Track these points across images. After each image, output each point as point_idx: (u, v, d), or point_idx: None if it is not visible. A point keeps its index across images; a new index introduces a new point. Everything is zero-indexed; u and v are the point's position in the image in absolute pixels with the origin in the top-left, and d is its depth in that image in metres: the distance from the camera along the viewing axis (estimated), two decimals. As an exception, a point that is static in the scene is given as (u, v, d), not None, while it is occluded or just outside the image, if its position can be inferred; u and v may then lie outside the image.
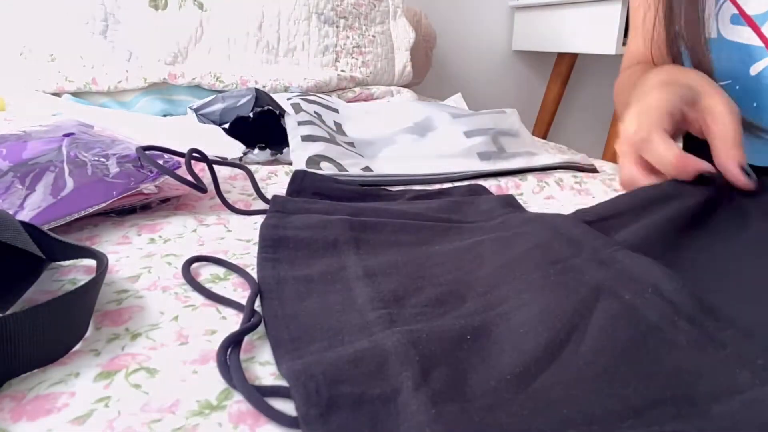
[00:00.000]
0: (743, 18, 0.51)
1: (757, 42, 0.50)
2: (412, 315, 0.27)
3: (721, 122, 0.37)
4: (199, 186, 0.43)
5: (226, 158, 0.56)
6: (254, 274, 0.33)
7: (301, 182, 0.49)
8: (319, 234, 0.35)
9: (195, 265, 0.34)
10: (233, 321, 0.28)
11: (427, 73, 1.54)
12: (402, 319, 0.27)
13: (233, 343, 0.25)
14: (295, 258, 0.33)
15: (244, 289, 0.32)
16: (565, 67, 1.75)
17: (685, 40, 0.51)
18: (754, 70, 0.51)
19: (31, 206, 0.37)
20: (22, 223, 0.31)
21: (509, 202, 0.46)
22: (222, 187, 0.49)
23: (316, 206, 0.41)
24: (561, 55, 1.74)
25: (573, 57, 1.72)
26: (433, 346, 0.23)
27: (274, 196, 0.42)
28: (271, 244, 0.34)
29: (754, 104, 0.52)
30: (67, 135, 0.47)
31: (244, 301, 0.29)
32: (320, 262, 0.33)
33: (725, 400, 0.21)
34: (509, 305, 0.27)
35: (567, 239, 0.33)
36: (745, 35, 0.51)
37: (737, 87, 0.53)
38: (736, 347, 0.23)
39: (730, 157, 0.36)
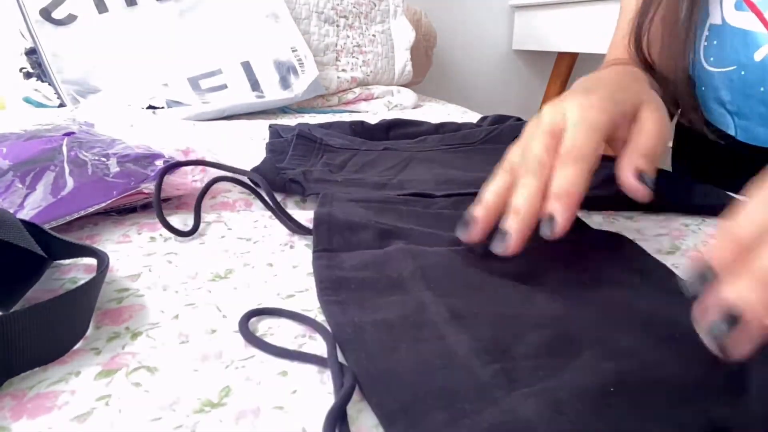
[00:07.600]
0: (746, 4, 0.51)
1: (760, 28, 0.50)
2: (529, 369, 0.23)
3: (644, 135, 0.35)
4: (184, 233, 0.39)
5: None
6: (292, 305, 0.30)
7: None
8: (381, 272, 0.32)
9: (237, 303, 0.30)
10: (233, 320, 0.28)
11: (428, 72, 1.54)
12: (521, 377, 0.23)
13: (337, 419, 0.21)
14: (362, 300, 0.30)
15: (308, 336, 0.28)
16: (565, 66, 1.75)
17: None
18: (759, 55, 0.51)
19: (32, 205, 0.37)
20: (23, 221, 0.31)
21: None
22: (222, 186, 0.49)
23: (359, 237, 0.37)
24: (561, 55, 1.74)
25: (573, 57, 1.72)
26: (580, 407, 0.20)
27: (316, 221, 0.38)
28: (330, 286, 0.31)
29: (761, 89, 0.52)
30: (68, 134, 0.47)
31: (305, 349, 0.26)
32: (391, 300, 0.29)
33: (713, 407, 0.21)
34: (636, 360, 0.24)
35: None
36: (749, 21, 0.51)
37: (742, 73, 0.53)
38: (705, 364, 0.22)
39: (630, 163, 0.34)
